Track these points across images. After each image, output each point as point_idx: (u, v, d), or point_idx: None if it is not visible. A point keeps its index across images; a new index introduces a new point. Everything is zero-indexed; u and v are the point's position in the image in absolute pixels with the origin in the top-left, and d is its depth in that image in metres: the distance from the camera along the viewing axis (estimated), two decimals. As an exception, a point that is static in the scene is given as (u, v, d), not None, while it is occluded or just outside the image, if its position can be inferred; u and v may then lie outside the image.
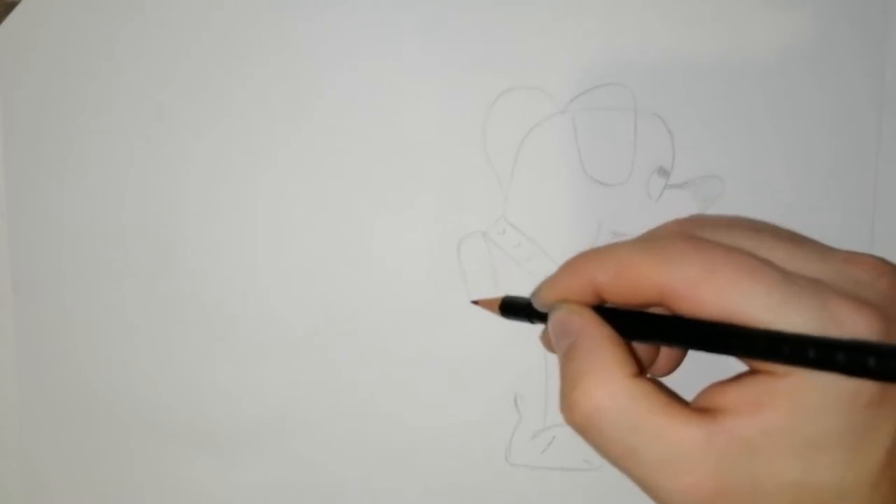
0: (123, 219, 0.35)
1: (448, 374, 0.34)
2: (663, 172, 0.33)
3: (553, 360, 0.33)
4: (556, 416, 0.34)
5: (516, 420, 0.35)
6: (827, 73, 0.33)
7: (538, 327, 0.32)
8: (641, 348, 0.26)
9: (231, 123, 0.34)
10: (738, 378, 0.21)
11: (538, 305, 0.26)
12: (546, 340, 0.28)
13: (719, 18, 0.33)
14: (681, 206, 0.33)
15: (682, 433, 0.20)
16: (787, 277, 0.20)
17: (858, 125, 0.33)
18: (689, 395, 0.22)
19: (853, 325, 0.20)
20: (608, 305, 0.24)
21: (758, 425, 0.20)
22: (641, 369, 0.24)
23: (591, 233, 0.33)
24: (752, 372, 0.21)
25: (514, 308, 0.30)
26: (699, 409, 0.21)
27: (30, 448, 0.36)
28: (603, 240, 0.33)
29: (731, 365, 0.22)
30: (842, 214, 0.33)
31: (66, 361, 0.35)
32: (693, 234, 0.23)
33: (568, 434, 0.35)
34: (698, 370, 0.24)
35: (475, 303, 0.32)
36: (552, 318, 0.24)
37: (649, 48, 0.33)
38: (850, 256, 0.22)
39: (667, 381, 0.25)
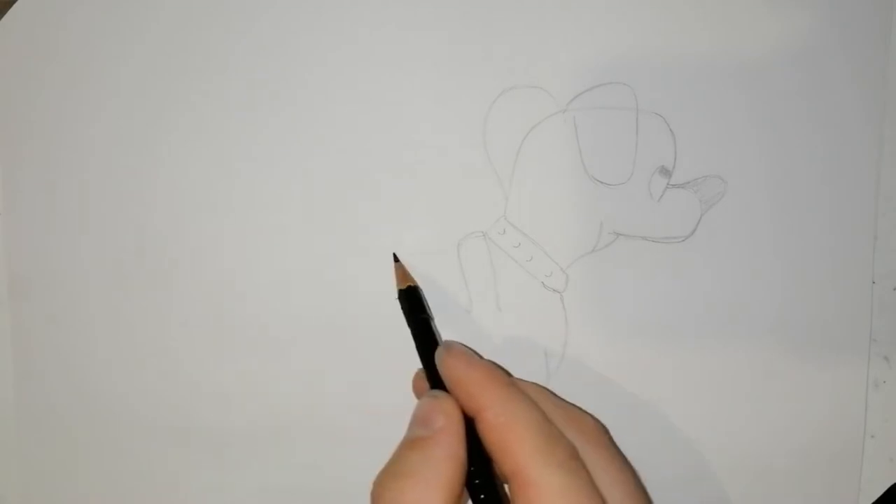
0: (121, 219, 0.35)
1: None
2: (665, 172, 0.33)
3: (555, 361, 0.33)
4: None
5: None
6: (830, 73, 0.32)
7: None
8: None
9: (230, 123, 0.34)
10: None
11: (443, 367, 0.28)
12: (419, 384, 0.31)
13: (722, 17, 0.32)
14: (683, 206, 0.33)
15: None
16: None
17: (861, 125, 0.33)
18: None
19: None
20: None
21: None
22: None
23: (592, 233, 0.33)
24: None
25: (413, 304, 0.31)
26: None
27: (27, 449, 0.36)
28: (604, 240, 0.33)
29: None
30: (844, 214, 0.33)
31: (63, 362, 0.35)
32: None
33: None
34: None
35: (396, 260, 0.33)
36: (440, 398, 0.27)
37: (651, 47, 0.33)
38: None
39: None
